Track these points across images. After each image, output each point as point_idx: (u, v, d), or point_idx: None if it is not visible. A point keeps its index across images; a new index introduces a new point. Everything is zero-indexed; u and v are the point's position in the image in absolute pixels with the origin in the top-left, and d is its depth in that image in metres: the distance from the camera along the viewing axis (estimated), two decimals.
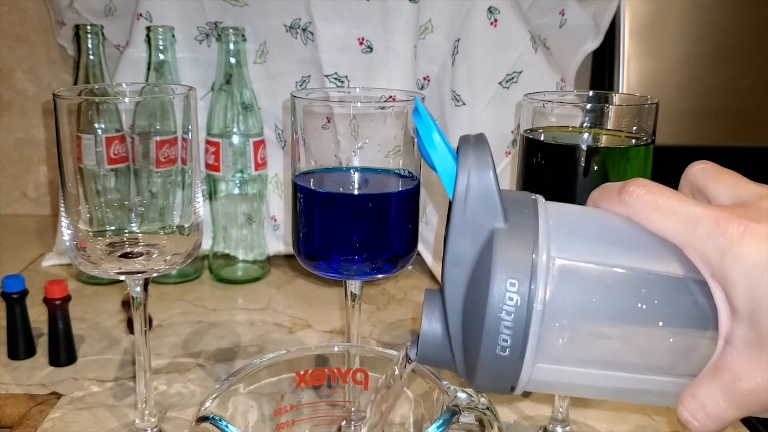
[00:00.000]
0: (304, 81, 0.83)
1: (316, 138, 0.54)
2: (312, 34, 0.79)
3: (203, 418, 0.39)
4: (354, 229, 0.51)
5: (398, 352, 0.38)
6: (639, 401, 0.32)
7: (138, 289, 0.50)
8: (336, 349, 0.47)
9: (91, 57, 0.78)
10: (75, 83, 0.80)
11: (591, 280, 0.29)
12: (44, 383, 0.62)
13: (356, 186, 0.54)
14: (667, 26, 0.94)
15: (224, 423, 0.39)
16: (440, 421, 0.38)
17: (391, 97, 0.56)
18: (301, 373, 0.46)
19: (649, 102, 0.52)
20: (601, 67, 0.96)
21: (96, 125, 0.53)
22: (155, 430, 0.54)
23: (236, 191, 0.84)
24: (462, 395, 0.41)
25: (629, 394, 0.31)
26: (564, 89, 0.81)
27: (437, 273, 0.86)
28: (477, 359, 0.30)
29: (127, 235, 0.52)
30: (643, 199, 0.28)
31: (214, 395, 0.41)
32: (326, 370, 0.46)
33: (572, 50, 0.86)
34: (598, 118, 0.52)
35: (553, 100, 0.53)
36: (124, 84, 0.67)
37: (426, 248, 0.88)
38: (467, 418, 0.40)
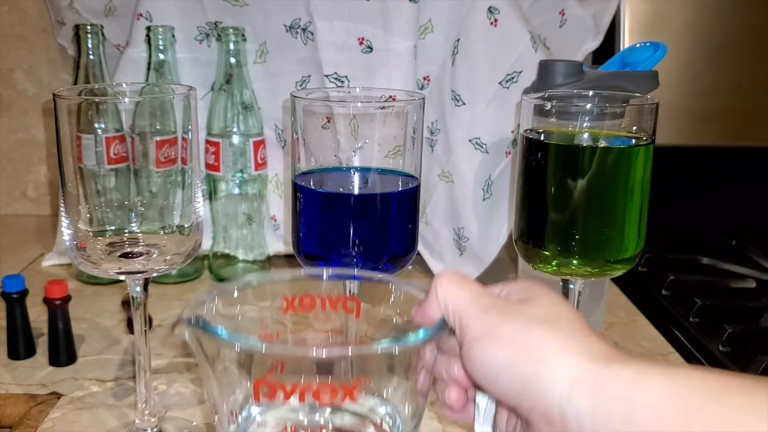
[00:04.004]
0: (304, 81, 0.83)
1: (316, 138, 0.54)
2: (312, 34, 0.79)
3: (188, 320, 0.37)
4: (354, 229, 0.51)
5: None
6: None
7: (138, 289, 0.50)
8: (326, 276, 0.44)
9: (91, 57, 0.78)
10: (75, 83, 0.80)
11: None
12: (44, 383, 0.62)
13: (356, 186, 0.54)
14: (667, 26, 0.94)
15: (214, 326, 0.36)
16: (433, 329, 0.37)
17: (391, 97, 0.56)
18: (289, 298, 0.44)
19: (649, 102, 0.52)
20: None
21: (96, 125, 0.53)
22: (155, 430, 0.54)
23: (236, 191, 0.84)
24: None
25: None
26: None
27: (437, 273, 0.86)
28: None
29: (127, 235, 0.52)
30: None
31: (193, 309, 0.38)
32: (316, 297, 0.44)
33: (572, 50, 0.86)
34: (598, 118, 0.52)
35: (553, 100, 0.53)
36: (124, 84, 0.67)
37: (426, 248, 0.88)
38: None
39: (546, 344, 0.32)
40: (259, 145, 0.83)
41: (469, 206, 0.83)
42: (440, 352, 0.39)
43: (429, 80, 0.84)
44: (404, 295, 0.42)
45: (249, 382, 0.37)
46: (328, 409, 0.40)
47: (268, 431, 0.39)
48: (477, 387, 0.37)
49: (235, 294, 0.42)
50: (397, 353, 0.37)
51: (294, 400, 0.35)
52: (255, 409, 0.39)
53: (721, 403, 0.28)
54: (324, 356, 0.34)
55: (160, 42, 0.78)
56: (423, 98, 0.53)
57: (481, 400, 0.39)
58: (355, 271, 0.45)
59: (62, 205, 0.50)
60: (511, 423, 0.37)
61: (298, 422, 0.40)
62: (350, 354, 0.36)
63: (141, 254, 0.51)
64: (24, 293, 0.66)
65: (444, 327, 0.37)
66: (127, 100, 0.56)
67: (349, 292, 0.46)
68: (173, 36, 0.79)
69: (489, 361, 0.33)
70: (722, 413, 0.28)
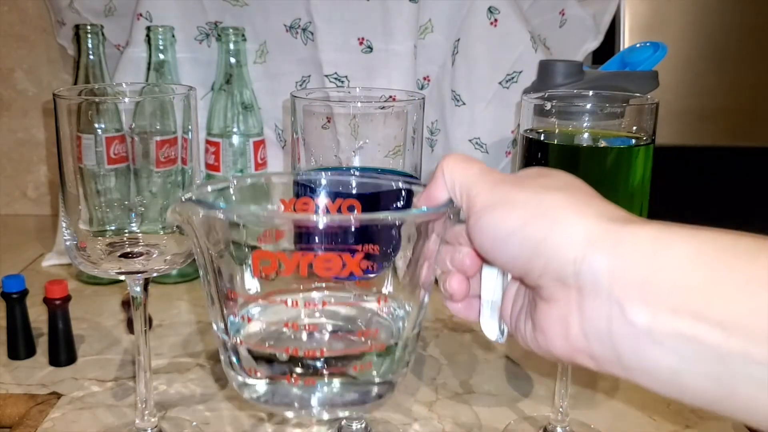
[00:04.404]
0: (304, 81, 0.83)
1: (316, 138, 0.54)
2: (312, 34, 0.79)
3: (183, 199, 0.35)
4: None
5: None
6: None
7: (138, 289, 0.50)
8: (324, 179, 0.43)
9: (91, 57, 0.78)
10: (75, 83, 0.80)
11: None
12: (44, 383, 0.62)
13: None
14: (667, 26, 0.94)
15: (211, 201, 0.35)
16: (437, 206, 0.36)
17: (391, 97, 0.56)
18: (287, 201, 0.41)
19: (649, 102, 0.52)
20: None
21: (96, 125, 0.53)
22: (155, 430, 0.54)
23: None
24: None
25: None
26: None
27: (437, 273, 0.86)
28: None
29: (127, 235, 0.52)
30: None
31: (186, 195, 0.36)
32: (314, 199, 0.42)
33: (572, 50, 0.86)
34: (598, 118, 0.52)
35: (553, 100, 0.53)
36: (124, 84, 0.67)
37: None
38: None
39: (560, 207, 0.30)
40: (259, 145, 0.83)
41: None
42: (444, 242, 0.38)
43: (429, 80, 0.84)
44: (408, 193, 0.41)
45: (248, 262, 0.36)
46: (325, 290, 0.39)
47: (266, 327, 0.38)
48: (484, 261, 0.36)
49: (231, 191, 0.40)
50: (399, 223, 0.35)
51: (294, 280, 0.34)
52: (254, 309, 0.38)
53: (753, 262, 0.26)
54: (327, 223, 0.33)
55: (160, 42, 0.78)
56: (423, 98, 0.53)
57: (486, 293, 0.38)
58: (354, 173, 0.44)
59: (62, 205, 0.50)
60: (516, 307, 0.36)
61: (298, 319, 0.38)
62: (353, 221, 0.34)
63: (141, 254, 0.51)
64: (24, 293, 0.66)
65: (449, 206, 0.35)
66: (127, 100, 0.56)
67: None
68: (173, 36, 0.79)
69: (499, 226, 0.32)
70: (753, 273, 0.26)
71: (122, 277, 0.50)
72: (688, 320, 0.26)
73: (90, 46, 0.78)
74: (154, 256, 0.51)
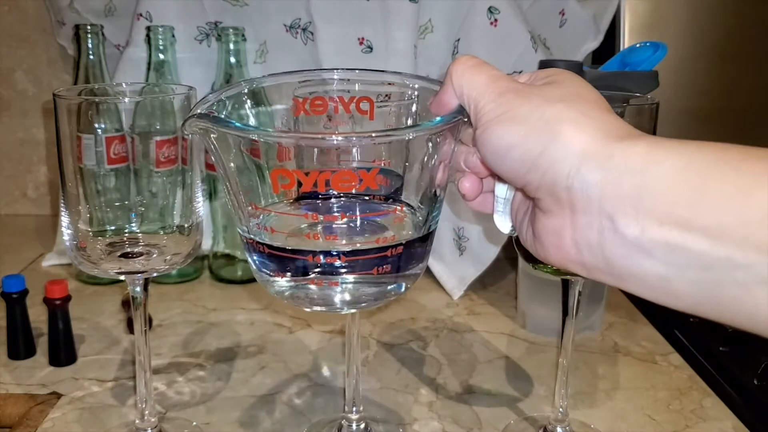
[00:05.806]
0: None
1: None
2: (312, 34, 0.79)
3: (200, 116, 0.35)
4: None
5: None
6: None
7: (138, 289, 0.50)
8: (336, 75, 0.42)
9: (91, 57, 0.78)
10: (75, 83, 0.79)
11: None
12: (44, 383, 0.62)
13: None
14: (667, 26, 0.94)
15: (226, 118, 0.34)
16: (448, 116, 0.36)
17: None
18: (300, 99, 0.41)
19: (649, 102, 0.52)
20: None
21: (96, 125, 0.53)
22: (155, 430, 0.54)
23: None
24: None
25: None
26: None
27: (437, 272, 0.86)
28: None
29: (127, 235, 0.52)
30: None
31: (202, 107, 0.36)
32: (327, 98, 0.41)
33: (572, 50, 0.86)
34: None
35: None
36: (124, 84, 0.66)
37: None
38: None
39: (559, 122, 0.31)
40: None
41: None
42: (458, 142, 0.38)
43: None
44: (419, 88, 0.41)
45: (266, 175, 0.36)
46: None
47: (289, 222, 0.38)
48: (492, 174, 0.37)
49: (244, 95, 0.40)
50: (412, 138, 0.35)
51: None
52: (275, 209, 0.38)
53: (739, 171, 0.27)
54: (340, 142, 0.33)
55: (160, 42, 0.78)
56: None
57: (500, 190, 0.38)
58: (365, 72, 0.44)
59: (62, 205, 0.50)
60: (521, 210, 0.37)
61: (320, 210, 0.38)
62: (365, 141, 0.34)
63: (141, 254, 0.51)
64: (24, 293, 0.66)
65: (460, 114, 0.36)
66: (127, 100, 0.56)
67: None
68: (173, 36, 0.79)
69: (501, 140, 0.33)
70: (739, 181, 0.27)
71: (122, 277, 0.50)
72: (676, 230, 0.27)
73: (90, 46, 0.78)
74: (154, 256, 0.51)
